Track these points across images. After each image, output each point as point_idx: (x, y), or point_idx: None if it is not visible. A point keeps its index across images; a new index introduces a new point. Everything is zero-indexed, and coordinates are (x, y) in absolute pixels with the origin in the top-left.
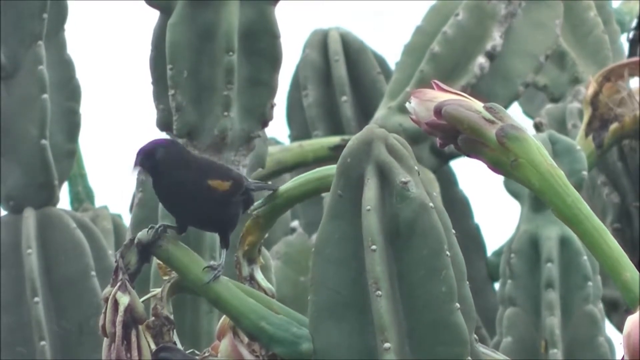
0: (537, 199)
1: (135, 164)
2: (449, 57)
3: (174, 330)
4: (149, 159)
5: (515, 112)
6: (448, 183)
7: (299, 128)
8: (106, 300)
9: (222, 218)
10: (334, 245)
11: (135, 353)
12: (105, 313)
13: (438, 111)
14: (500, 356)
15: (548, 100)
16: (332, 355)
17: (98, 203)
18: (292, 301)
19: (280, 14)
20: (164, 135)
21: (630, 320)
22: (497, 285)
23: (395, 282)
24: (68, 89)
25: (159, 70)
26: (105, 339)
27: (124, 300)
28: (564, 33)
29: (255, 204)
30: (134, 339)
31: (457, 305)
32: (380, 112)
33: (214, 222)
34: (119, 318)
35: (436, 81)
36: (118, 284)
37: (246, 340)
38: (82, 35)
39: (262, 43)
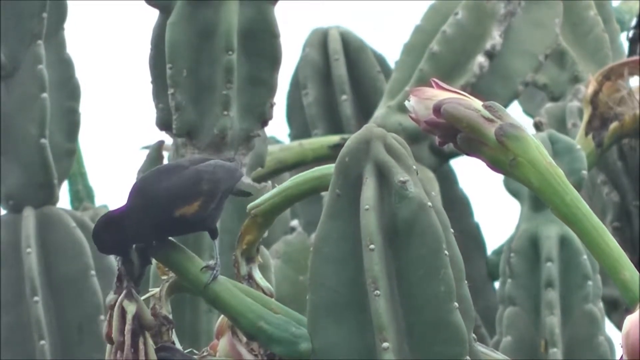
0: (536, 198)
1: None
2: (448, 56)
3: (173, 330)
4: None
5: (515, 111)
6: (448, 182)
7: (299, 127)
8: (111, 308)
9: (203, 226)
10: (333, 244)
11: (142, 357)
12: (110, 321)
13: (437, 110)
14: (500, 356)
15: (548, 99)
16: (330, 354)
17: (98, 202)
18: (291, 300)
19: (280, 13)
20: (163, 135)
21: (629, 320)
22: (497, 284)
23: (393, 281)
24: (67, 88)
25: (159, 69)
26: (108, 345)
27: (131, 308)
28: (563, 32)
29: (254, 202)
30: (141, 346)
31: (456, 304)
32: (379, 111)
33: (198, 230)
34: (127, 327)
35: (435, 80)
36: (124, 291)
37: (245, 339)
38: (82, 35)
39: (261, 42)
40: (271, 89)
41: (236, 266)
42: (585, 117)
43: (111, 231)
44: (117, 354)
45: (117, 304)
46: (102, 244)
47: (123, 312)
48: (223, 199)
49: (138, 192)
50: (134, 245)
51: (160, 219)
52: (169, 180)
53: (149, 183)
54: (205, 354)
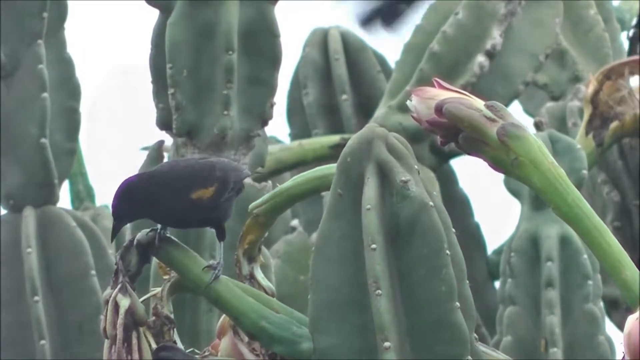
0: (537, 197)
1: (117, 219)
2: (448, 56)
3: (175, 330)
4: (123, 208)
5: (515, 111)
6: (448, 181)
7: (299, 127)
8: (107, 302)
9: (214, 218)
10: (334, 244)
11: (136, 355)
12: (105, 315)
13: (439, 109)
14: (501, 355)
15: (548, 98)
16: (332, 354)
17: (99, 202)
18: (292, 300)
19: (281, 12)
20: (163, 135)
21: (631, 320)
22: (497, 284)
23: (395, 281)
24: (68, 88)
25: (159, 69)
26: (106, 340)
27: (124, 302)
28: (564, 31)
29: (256, 202)
30: (134, 341)
31: (457, 304)
32: (380, 111)
33: (207, 223)
34: (120, 321)
35: (437, 79)
36: (118, 286)
37: (247, 339)
38: (82, 34)
39: (261, 42)
40: (271, 88)
41: (238, 266)
42: (586, 116)
43: (131, 195)
44: (112, 349)
45: (111, 298)
46: (120, 208)
47: (116, 306)
48: (233, 192)
49: (160, 171)
50: (134, 243)
51: (177, 199)
52: (186, 164)
53: (168, 166)
54: (207, 353)
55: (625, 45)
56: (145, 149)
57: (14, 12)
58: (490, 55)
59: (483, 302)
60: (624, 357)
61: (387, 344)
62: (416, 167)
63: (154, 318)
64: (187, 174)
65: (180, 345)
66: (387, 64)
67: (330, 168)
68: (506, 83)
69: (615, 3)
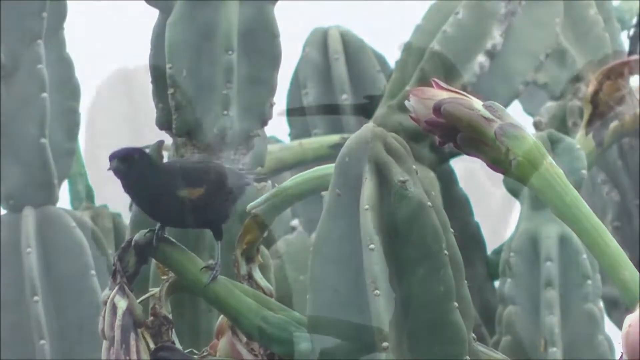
0: (536, 197)
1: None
2: (448, 55)
3: (173, 330)
4: (123, 164)
5: (515, 111)
6: (448, 181)
7: (299, 127)
8: (105, 303)
9: (206, 219)
10: (333, 244)
11: (134, 356)
12: (104, 316)
13: (437, 109)
14: (499, 355)
15: (548, 98)
16: (330, 354)
17: (98, 202)
18: (291, 300)
19: (281, 12)
20: (163, 135)
21: (629, 319)
22: (496, 284)
23: (393, 281)
24: (67, 88)
25: (159, 69)
26: (104, 341)
27: (122, 304)
28: (564, 30)
29: (254, 202)
30: (132, 342)
31: (456, 304)
32: (379, 111)
33: (203, 223)
34: (118, 322)
35: (436, 79)
36: (116, 287)
37: (245, 339)
38: (82, 34)
39: (261, 42)
40: (271, 88)
41: (236, 266)
42: (586, 116)
43: (130, 161)
44: (110, 350)
45: (109, 299)
46: (120, 165)
47: (114, 308)
48: (230, 197)
49: (155, 165)
50: (132, 244)
51: (165, 193)
52: (182, 164)
53: (168, 164)
54: (205, 353)
55: (625, 45)
56: (145, 148)
57: (13, 12)
58: (491, 55)
59: (482, 301)
60: (622, 356)
61: (385, 344)
62: (414, 167)
63: (152, 318)
64: (178, 173)
65: (178, 345)
66: (387, 63)
67: (329, 168)
68: (506, 83)
69: (615, 3)
